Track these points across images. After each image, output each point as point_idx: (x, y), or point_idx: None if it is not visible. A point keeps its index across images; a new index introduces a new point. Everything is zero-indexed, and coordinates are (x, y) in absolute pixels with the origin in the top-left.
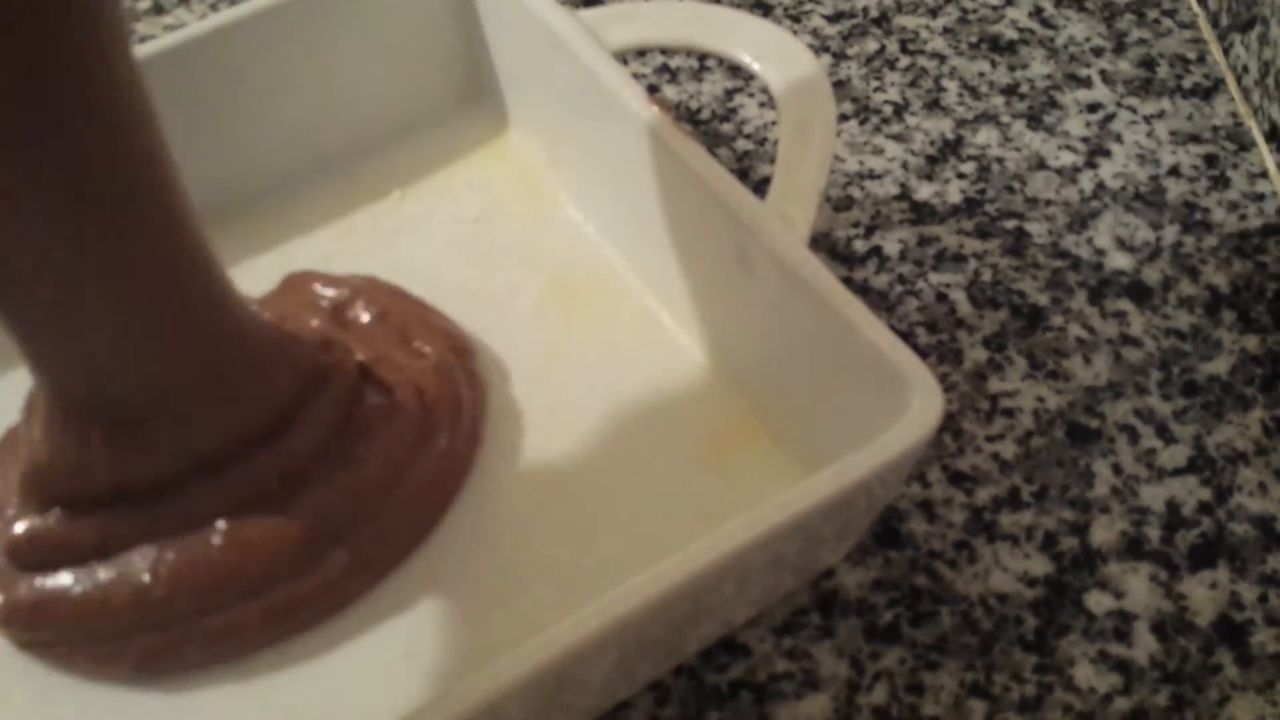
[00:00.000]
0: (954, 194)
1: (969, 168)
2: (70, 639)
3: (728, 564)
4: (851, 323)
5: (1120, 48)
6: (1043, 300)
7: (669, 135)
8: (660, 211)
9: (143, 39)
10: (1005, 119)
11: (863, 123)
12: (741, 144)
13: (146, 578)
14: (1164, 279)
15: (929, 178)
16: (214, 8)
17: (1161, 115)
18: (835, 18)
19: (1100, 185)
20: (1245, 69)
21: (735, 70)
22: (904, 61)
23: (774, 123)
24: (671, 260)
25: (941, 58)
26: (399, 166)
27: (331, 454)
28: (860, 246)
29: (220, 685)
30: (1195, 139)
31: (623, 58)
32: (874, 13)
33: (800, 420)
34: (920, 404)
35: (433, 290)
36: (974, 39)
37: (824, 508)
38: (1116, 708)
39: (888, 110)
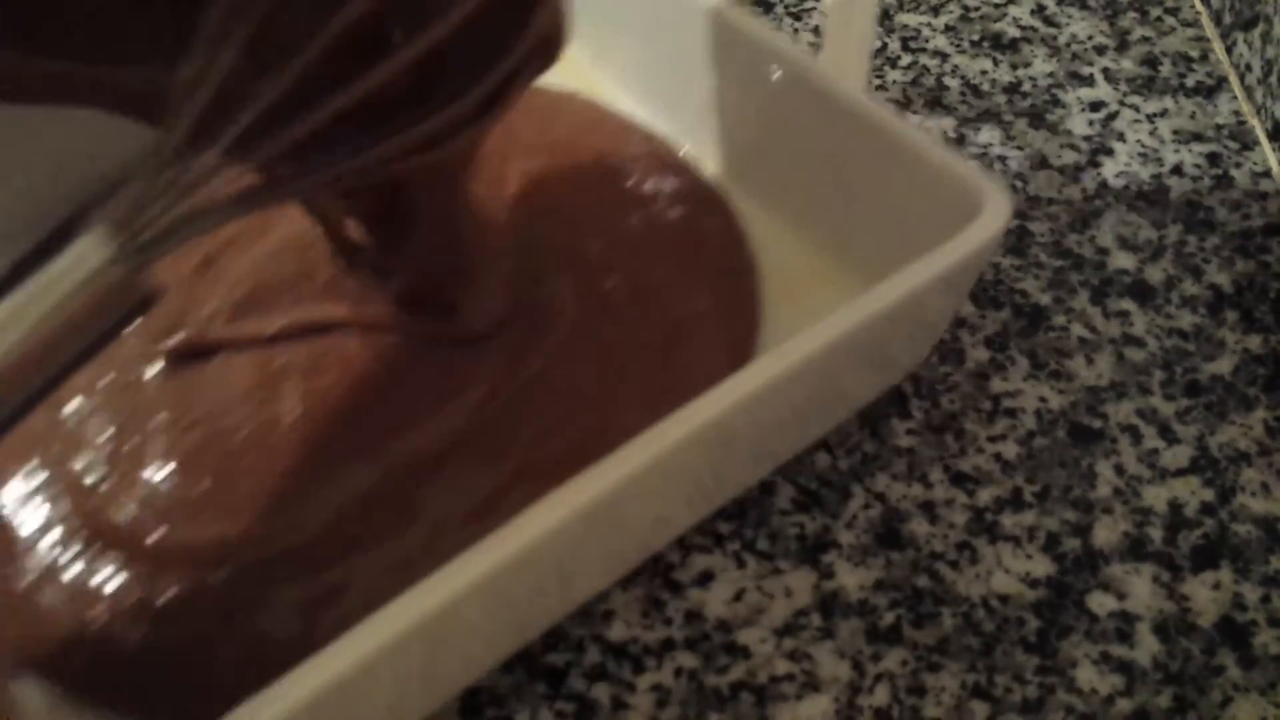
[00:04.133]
0: None
1: None
2: None
3: (844, 342)
4: (919, 147)
5: (1123, 46)
6: (1045, 300)
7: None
8: (713, 76)
9: None
10: (1008, 117)
11: None
12: (786, 23)
13: None
14: (1167, 278)
15: None
16: None
17: (1164, 114)
18: None
19: (1103, 184)
20: (1248, 67)
21: None
22: (906, 59)
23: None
24: (725, 121)
25: (943, 56)
26: None
27: None
28: None
29: None
30: (1198, 138)
31: None
32: None
33: (873, 254)
34: (991, 204)
35: None
36: (976, 37)
37: (922, 291)
38: (1119, 709)
39: (890, 109)
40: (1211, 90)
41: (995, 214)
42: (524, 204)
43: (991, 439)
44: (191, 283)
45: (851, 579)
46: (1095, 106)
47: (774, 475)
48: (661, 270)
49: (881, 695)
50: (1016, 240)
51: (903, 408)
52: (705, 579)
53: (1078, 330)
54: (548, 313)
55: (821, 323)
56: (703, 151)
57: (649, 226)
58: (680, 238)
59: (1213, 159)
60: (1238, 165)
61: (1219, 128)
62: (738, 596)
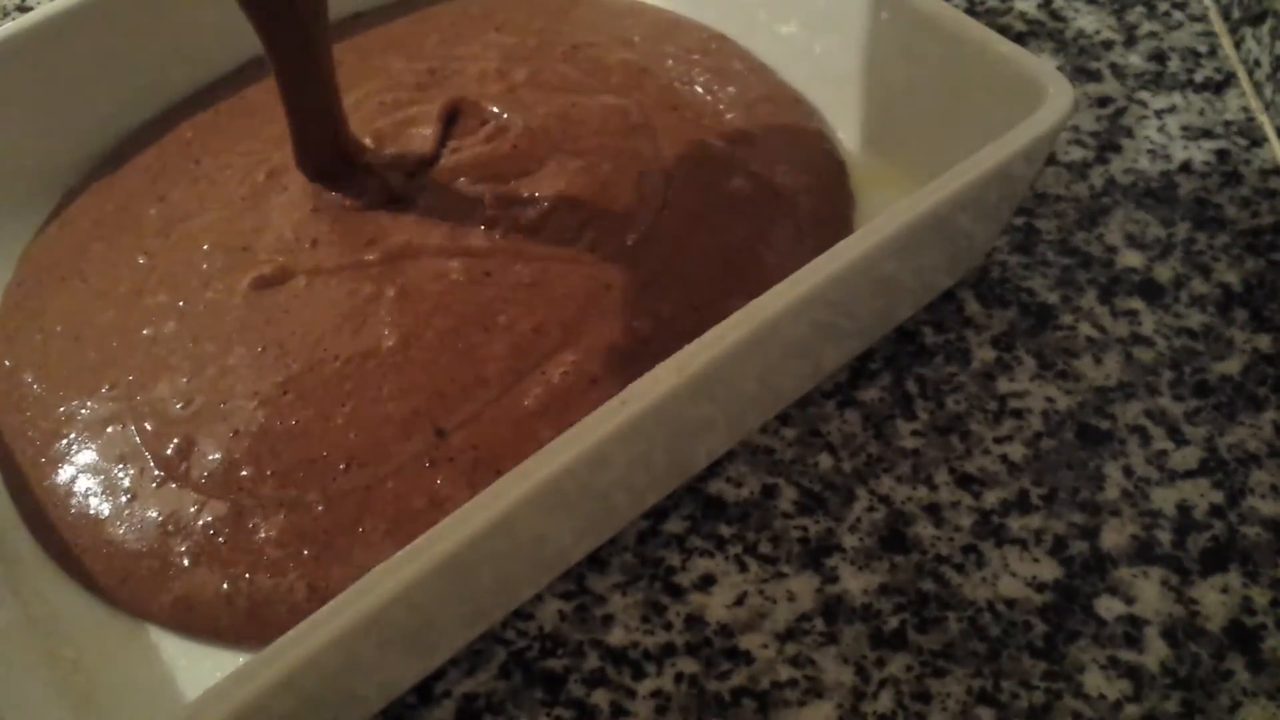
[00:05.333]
0: None
1: None
2: None
3: (938, 210)
4: (982, 42)
5: (1131, 41)
6: (1052, 298)
7: None
8: None
9: None
10: None
11: None
12: None
13: None
14: (1175, 277)
15: None
16: None
17: (1173, 110)
18: None
19: (1110, 181)
20: (1257, 63)
21: None
22: None
23: None
24: (788, 29)
25: None
26: None
27: None
28: None
29: None
30: (1207, 134)
31: None
32: None
33: (930, 156)
34: (1054, 91)
35: None
36: None
37: (995, 174)
38: (1127, 715)
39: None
40: (1220, 86)
41: (1060, 97)
42: (633, 92)
43: (998, 440)
44: (259, 196)
45: (855, 583)
46: (1103, 102)
47: (776, 477)
48: (775, 166)
49: (886, 701)
50: (1023, 238)
51: (907, 408)
52: (706, 583)
53: (1085, 330)
54: (678, 212)
55: (916, 193)
56: (759, 50)
57: (755, 125)
58: (782, 135)
59: (1222, 155)
60: (1247, 162)
61: (1228, 124)
62: (739, 601)
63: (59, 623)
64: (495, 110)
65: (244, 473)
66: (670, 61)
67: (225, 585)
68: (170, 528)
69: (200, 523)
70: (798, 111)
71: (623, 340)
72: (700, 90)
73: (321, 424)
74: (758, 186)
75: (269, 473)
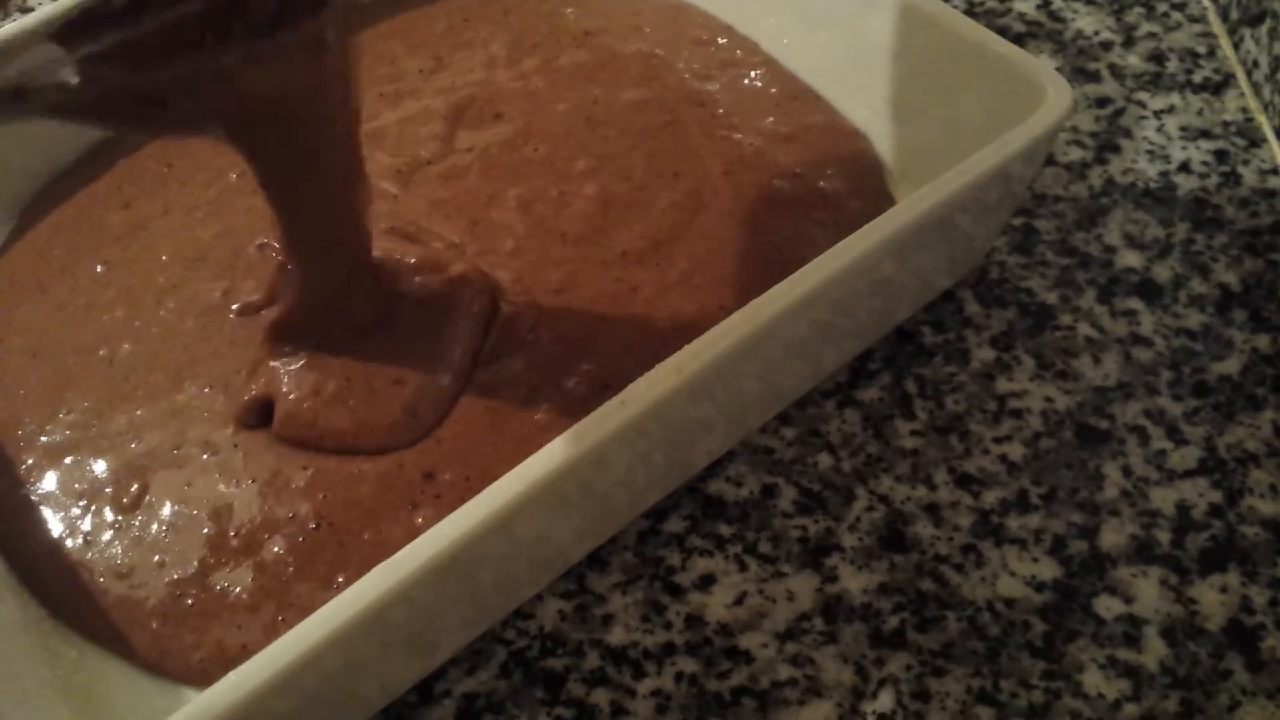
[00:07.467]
0: None
1: None
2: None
3: (937, 211)
4: (981, 43)
5: (1129, 41)
6: (1051, 299)
7: None
8: None
9: None
10: None
11: None
12: None
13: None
14: (1174, 277)
15: None
16: None
17: (1171, 110)
18: None
19: (1109, 181)
20: (1255, 64)
21: None
22: None
23: None
24: (785, 27)
25: None
26: None
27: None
28: None
29: None
30: (1205, 134)
31: None
32: None
33: (934, 156)
34: (1053, 92)
35: None
36: None
37: (994, 174)
38: (1126, 714)
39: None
40: (1219, 86)
41: (1059, 98)
42: (653, 85)
43: (997, 440)
44: (226, 199)
45: (855, 582)
46: (1101, 103)
47: (775, 477)
48: (819, 168)
49: (885, 701)
50: (1022, 238)
51: (907, 408)
52: (706, 582)
53: (1084, 330)
54: (716, 211)
55: (915, 194)
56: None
57: (791, 125)
58: (822, 136)
59: (1220, 156)
60: (1245, 162)
61: (1226, 124)
62: (739, 600)
63: (60, 621)
64: (512, 110)
65: (204, 530)
66: (686, 53)
67: (199, 655)
68: (134, 581)
69: (164, 580)
70: (827, 110)
71: (641, 343)
72: (723, 86)
73: (281, 484)
74: (802, 188)
75: (230, 533)
